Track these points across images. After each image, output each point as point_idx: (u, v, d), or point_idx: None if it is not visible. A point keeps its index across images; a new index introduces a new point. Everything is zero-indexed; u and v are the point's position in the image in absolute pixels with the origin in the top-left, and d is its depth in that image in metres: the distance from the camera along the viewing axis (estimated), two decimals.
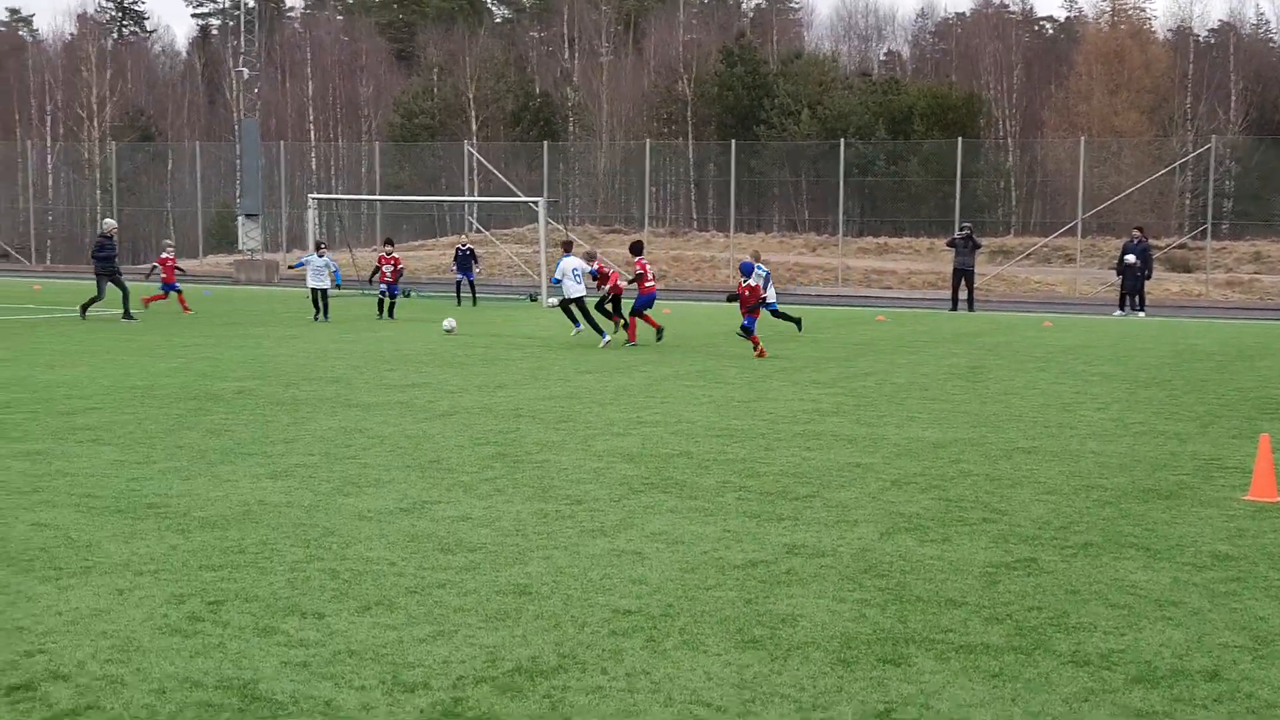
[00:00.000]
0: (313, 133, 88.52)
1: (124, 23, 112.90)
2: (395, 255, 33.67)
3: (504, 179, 59.21)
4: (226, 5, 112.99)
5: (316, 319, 30.39)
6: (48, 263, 66.49)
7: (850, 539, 9.11)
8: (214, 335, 25.55)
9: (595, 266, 25.99)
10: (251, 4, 70.59)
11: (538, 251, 41.99)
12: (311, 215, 44.78)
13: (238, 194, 60.30)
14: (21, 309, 32.58)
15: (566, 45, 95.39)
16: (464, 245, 39.21)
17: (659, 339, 25.50)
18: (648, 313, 25.81)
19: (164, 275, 32.88)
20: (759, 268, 26.25)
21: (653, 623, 7.13)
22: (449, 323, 28.03)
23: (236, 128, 63.73)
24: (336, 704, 5.85)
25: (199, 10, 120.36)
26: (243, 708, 5.78)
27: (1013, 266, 52.95)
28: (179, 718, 5.66)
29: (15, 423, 13.63)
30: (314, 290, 31.25)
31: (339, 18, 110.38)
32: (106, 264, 29.76)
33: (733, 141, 58.51)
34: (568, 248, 26.42)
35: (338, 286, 32.06)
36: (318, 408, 15.27)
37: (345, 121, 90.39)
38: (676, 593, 7.71)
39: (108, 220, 32.76)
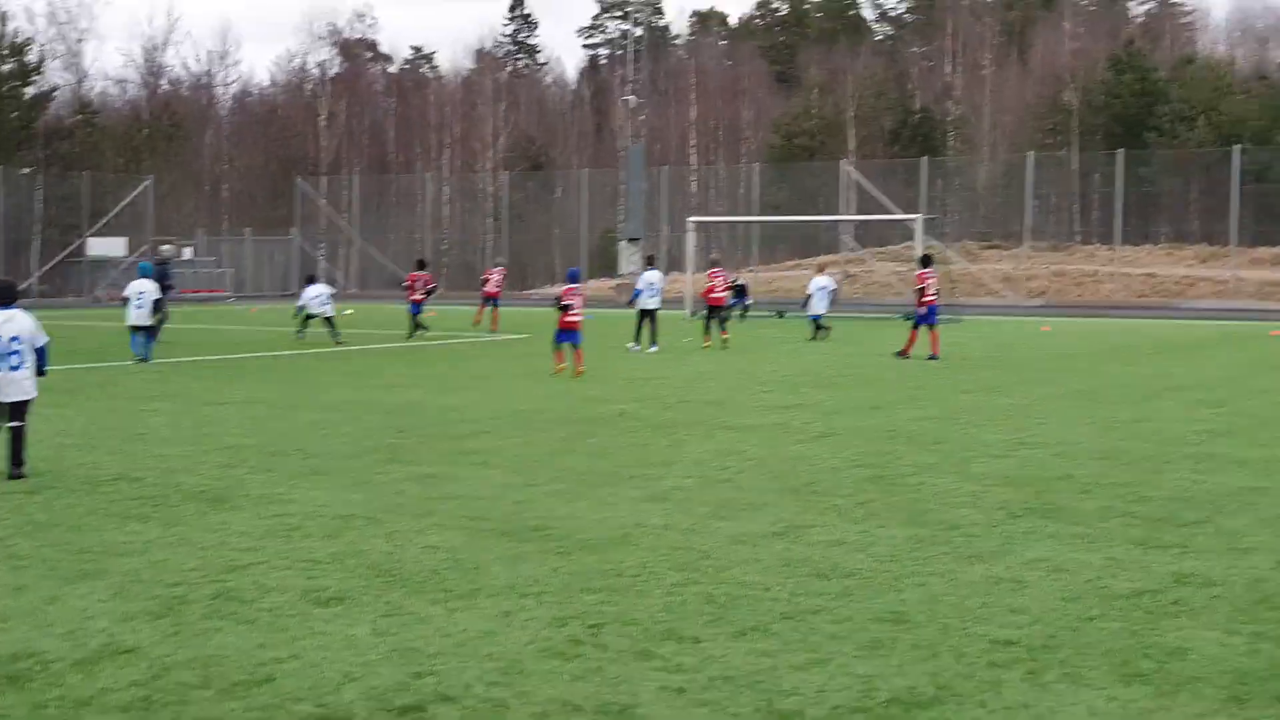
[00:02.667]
0: (694, 156, 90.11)
1: (518, 56, 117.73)
2: (426, 274, 33.70)
3: (880, 196, 58.90)
4: (615, 35, 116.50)
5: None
6: (441, 290, 69.81)
7: (1243, 568, 8.68)
8: (593, 359, 26.18)
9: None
10: (640, 33, 72.54)
11: (913, 269, 41.54)
12: (690, 238, 45.58)
13: (620, 218, 62.00)
14: (422, 336, 34.08)
15: (949, 58, 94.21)
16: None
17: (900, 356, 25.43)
18: (934, 329, 25.61)
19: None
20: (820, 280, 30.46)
21: (1033, 654, 6.96)
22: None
23: (622, 154, 65.53)
24: None
25: (589, 41, 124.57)
26: None
27: None
28: None
29: (410, 446, 14.32)
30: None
31: (722, 42, 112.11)
32: (168, 291, 28.73)
33: (1120, 151, 56.56)
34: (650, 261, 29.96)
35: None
36: (694, 430, 15.52)
37: (726, 144, 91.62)
38: (1058, 623, 7.50)
39: (165, 246, 33.60)
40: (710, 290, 30.81)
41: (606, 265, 69.93)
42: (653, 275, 28.72)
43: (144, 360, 24.58)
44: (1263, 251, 57.50)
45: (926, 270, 26.28)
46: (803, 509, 10.74)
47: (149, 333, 25.04)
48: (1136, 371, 22.53)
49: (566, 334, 22.72)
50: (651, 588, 8.31)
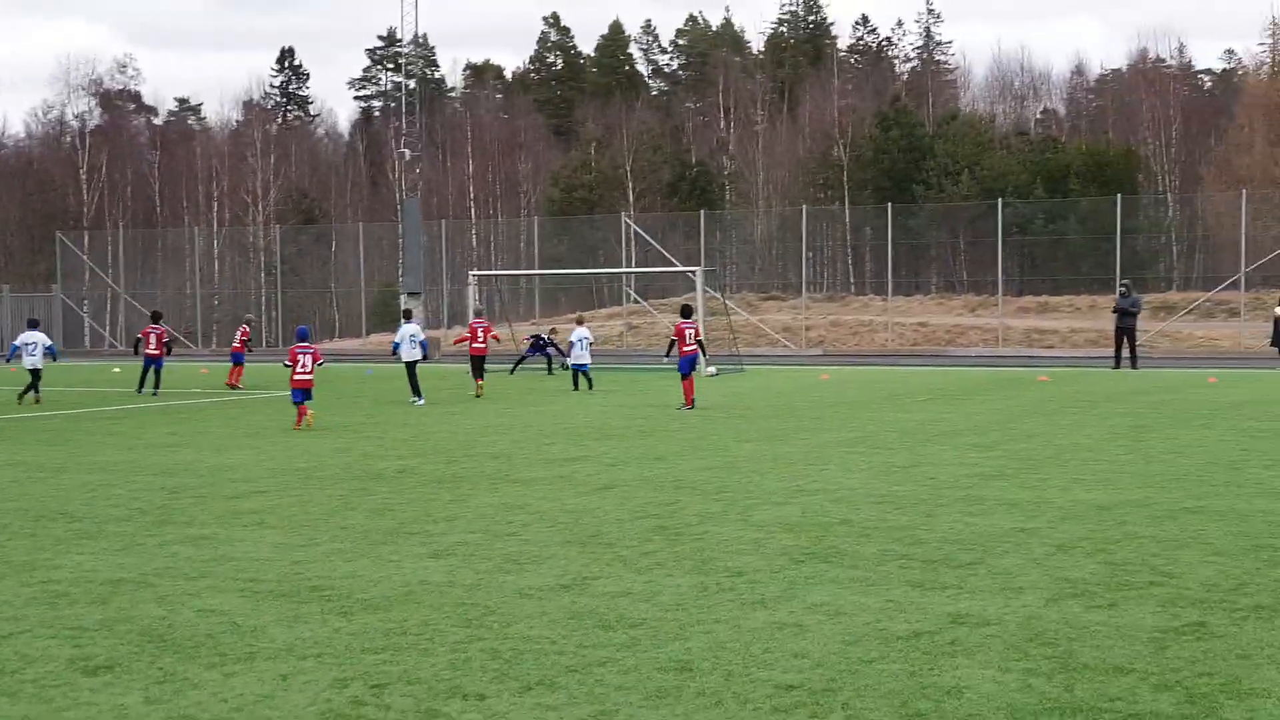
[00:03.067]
0: (473, 210, 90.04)
1: (288, 108, 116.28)
2: (161, 328, 32.70)
3: (661, 249, 59.56)
4: (389, 88, 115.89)
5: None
6: (214, 346, 68.28)
7: (1015, 607, 8.92)
8: (377, 414, 25.98)
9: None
10: (413, 85, 72.30)
11: (695, 320, 42.04)
12: (472, 291, 45.44)
13: (400, 272, 61.40)
14: (189, 393, 33.29)
15: (722, 114, 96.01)
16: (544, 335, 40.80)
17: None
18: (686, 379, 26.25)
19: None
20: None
21: (815, 697, 7.04)
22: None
23: (399, 207, 65.03)
24: None
25: (361, 93, 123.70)
26: None
27: (1176, 322, 51.82)
28: None
29: (183, 507, 13.94)
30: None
31: (498, 96, 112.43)
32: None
33: (889, 204, 58.23)
34: (407, 316, 30.64)
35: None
36: (478, 484, 15.41)
37: (505, 198, 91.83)
38: (839, 666, 7.61)
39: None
40: (472, 339, 31.56)
41: (389, 319, 69.25)
42: (412, 328, 29.17)
43: None
44: (1028, 300, 59.71)
45: (685, 321, 26.95)
46: (589, 561, 10.71)
47: None
48: (911, 417, 23.09)
49: (297, 392, 23.23)
50: (436, 645, 8.19)
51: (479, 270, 54.45)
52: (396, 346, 29.21)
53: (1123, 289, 37.76)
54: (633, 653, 7.96)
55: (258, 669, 7.76)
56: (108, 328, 69.62)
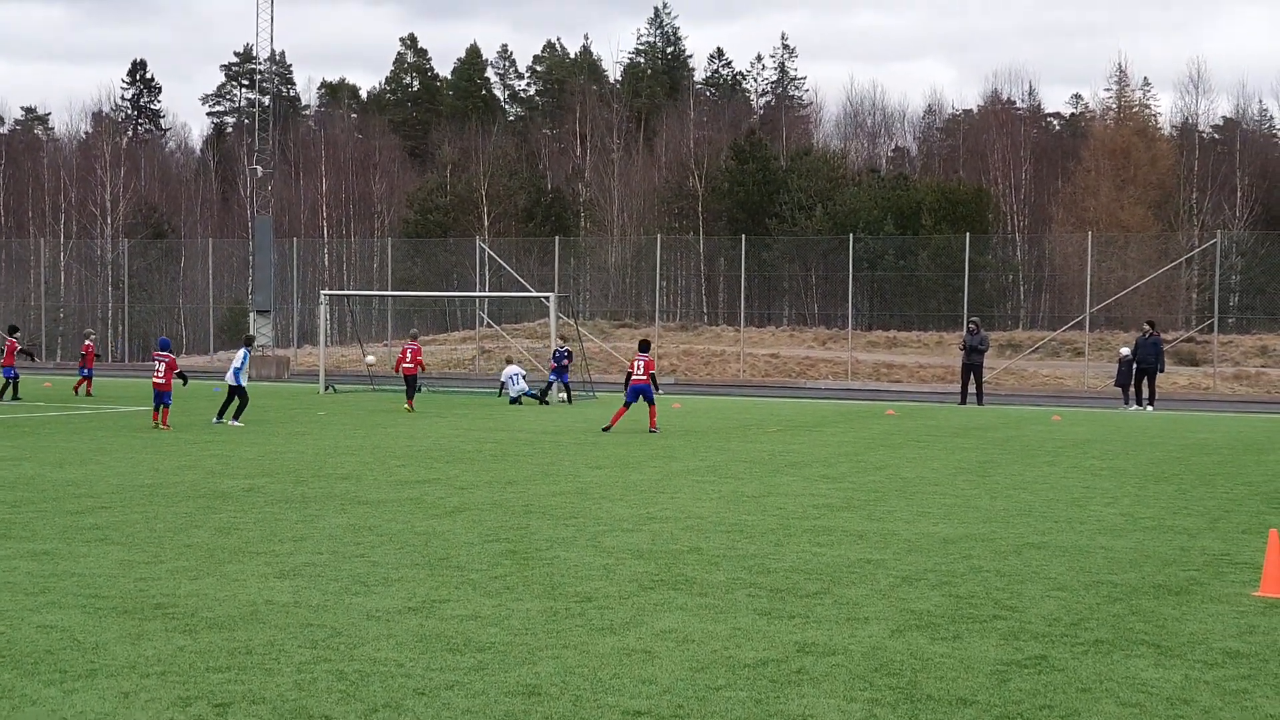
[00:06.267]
0: (325, 229, 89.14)
1: (139, 121, 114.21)
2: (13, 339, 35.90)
3: (515, 274, 59.53)
4: (242, 104, 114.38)
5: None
6: (58, 359, 66.72)
7: (861, 637, 9.08)
8: (224, 432, 25.60)
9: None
10: (266, 102, 71.43)
11: (548, 346, 42.03)
12: (323, 311, 45.04)
13: (250, 290, 60.56)
14: (32, 406, 32.64)
15: (579, 142, 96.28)
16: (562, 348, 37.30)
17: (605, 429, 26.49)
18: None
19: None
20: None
21: None
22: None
23: (250, 224, 64.18)
24: None
25: (215, 109, 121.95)
26: None
27: (1022, 360, 53.00)
28: None
29: (24, 521, 13.64)
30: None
31: (353, 115, 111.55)
32: None
33: (743, 236, 58.85)
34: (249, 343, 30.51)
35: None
36: (327, 505, 15.27)
37: (358, 218, 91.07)
38: (687, 693, 7.68)
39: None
40: (401, 361, 34.16)
41: (237, 336, 68.21)
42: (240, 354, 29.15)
43: None
44: (877, 334, 60.67)
45: (642, 354, 27.75)
46: (438, 584, 10.68)
47: None
48: (761, 448, 23.33)
49: (157, 394, 26.38)
50: (281, 665, 8.12)
51: (331, 290, 53.98)
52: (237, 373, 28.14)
53: (971, 326, 38.53)
54: (481, 676, 7.96)
55: (99, 686, 7.63)
56: None
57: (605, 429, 26.44)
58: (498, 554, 12.09)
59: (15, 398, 34.33)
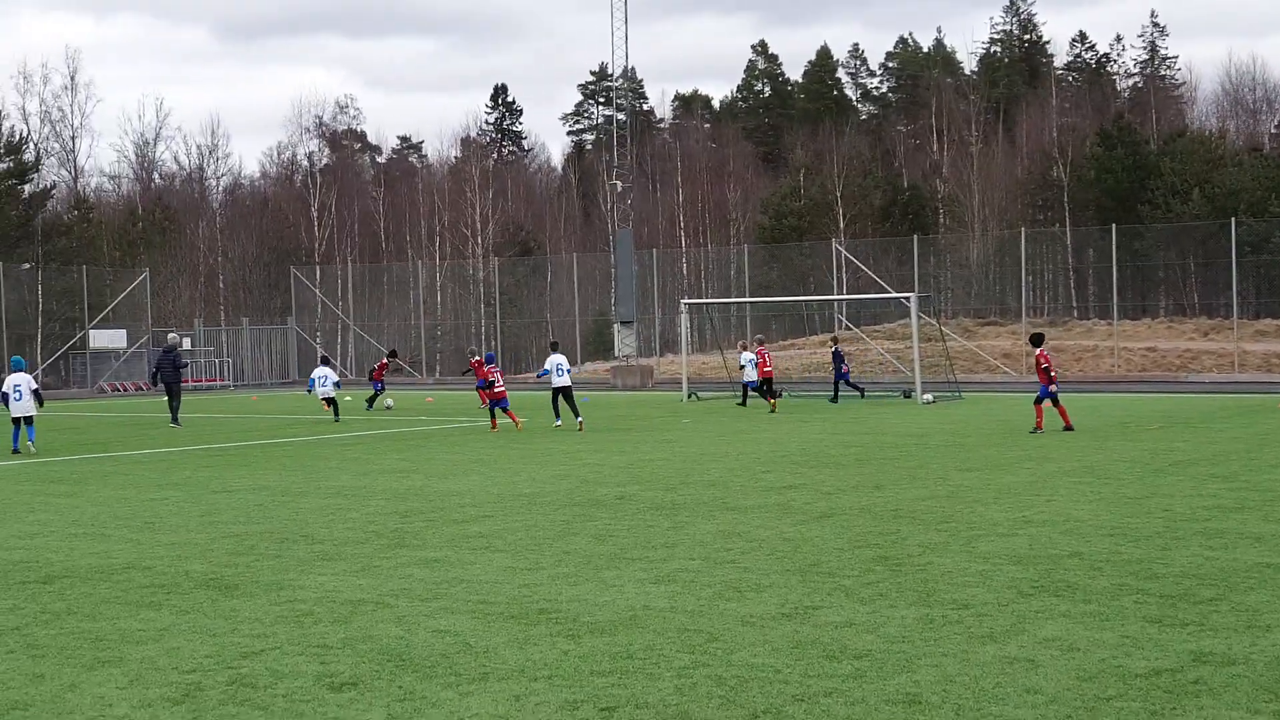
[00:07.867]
0: (683, 239, 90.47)
1: (503, 144, 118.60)
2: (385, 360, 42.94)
3: (873, 275, 59.09)
4: (599, 121, 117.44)
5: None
6: (438, 375, 69.83)
7: (1264, 645, 8.55)
8: (594, 441, 26.22)
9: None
10: (624, 118, 73.13)
11: (910, 348, 41.56)
12: (684, 319, 45.70)
13: (613, 301, 61.99)
14: (416, 420, 34.22)
15: (935, 136, 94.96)
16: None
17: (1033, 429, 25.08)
18: (1047, 405, 25.80)
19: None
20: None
21: None
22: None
23: (611, 238, 65.73)
24: None
25: (574, 127, 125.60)
26: None
27: None
28: None
29: (415, 531, 14.27)
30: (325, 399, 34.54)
31: (706, 125, 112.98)
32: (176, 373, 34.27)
33: (1113, 225, 56.82)
34: (554, 347, 32.60)
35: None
36: (696, 511, 15.42)
37: (714, 226, 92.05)
38: (1075, 703, 7.38)
39: (170, 334, 40.97)
40: (762, 365, 35.92)
41: (603, 348, 70.04)
42: (559, 358, 31.01)
43: (16, 451, 25.88)
44: (1266, 323, 57.54)
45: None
46: (809, 590, 10.62)
47: (29, 422, 26.62)
48: (1142, 446, 22.44)
49: (496, 402, 29.81)
50: (661, 670, 8.21)
51: (690, 298, 54.71)
52: (544, 373, 31.18)
53: None
54: (859, 683, 7.85)
55: (492, 689, 7.87)
56: (338, 358, 71.65)
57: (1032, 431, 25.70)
58: (869, 560, 11.94)
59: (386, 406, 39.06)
